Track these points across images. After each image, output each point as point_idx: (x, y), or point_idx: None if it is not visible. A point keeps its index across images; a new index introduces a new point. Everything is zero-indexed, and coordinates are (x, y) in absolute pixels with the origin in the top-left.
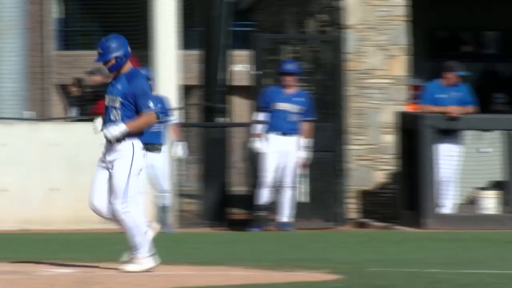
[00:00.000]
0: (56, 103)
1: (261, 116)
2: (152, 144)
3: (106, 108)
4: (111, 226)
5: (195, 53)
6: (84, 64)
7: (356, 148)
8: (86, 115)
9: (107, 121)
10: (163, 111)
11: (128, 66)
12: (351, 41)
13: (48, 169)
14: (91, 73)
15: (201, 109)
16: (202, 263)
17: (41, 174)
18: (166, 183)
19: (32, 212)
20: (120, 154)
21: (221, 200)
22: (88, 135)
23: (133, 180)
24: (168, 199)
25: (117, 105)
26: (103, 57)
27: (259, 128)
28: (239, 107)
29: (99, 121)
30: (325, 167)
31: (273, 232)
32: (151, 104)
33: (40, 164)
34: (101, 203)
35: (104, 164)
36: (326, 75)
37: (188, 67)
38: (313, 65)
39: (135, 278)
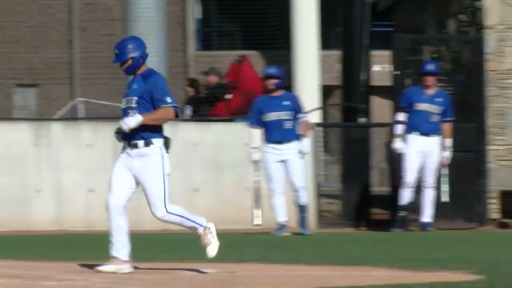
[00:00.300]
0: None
1: (401, 116)
2: (282, 141)
3: (123, 111)
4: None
5: (335, 53)
6: (223, 64)
7: (497, 148)
8: (203, 116)
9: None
10: (295, 108)
11: (144, 68)
12: (491, 41)
13: (189, 169)
14: (206, 73)
15: (342, 109)
16: (344, 263)
17: (183, 175)
18: (301, 181)
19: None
20: (148, 161)
21: (361, 200)
22: (229, 135)
23: (167, 183)
24: (304, 198)
25: (133, 105)
26: (119, 57)
27: (399, 128)
28: (379, 108)
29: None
30: (466, 168)
31: (414, 232)
32: (169, 99)
33: (181, 164)
34: (119, 203)
35: (126, 169)
36: (466, 76)
37: (329, 67)
38: (452, 66)
39: (276, 278)
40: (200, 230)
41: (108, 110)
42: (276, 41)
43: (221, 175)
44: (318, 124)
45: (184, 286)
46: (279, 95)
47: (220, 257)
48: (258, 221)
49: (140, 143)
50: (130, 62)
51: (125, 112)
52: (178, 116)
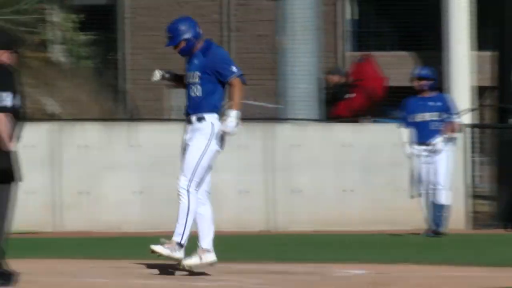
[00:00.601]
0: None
1: None
2: (427, 142)
3: (187, 86)
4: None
5: (489, 54)
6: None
7: None
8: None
9: (187, 98)
10: (446, 109)
11: (200, 43)
12: None
13: (341, 170)
14: (329, 73)
15: (495, 110)
16: (496, 265)
17: (335, 175)
18: (445, 180)
19: (327, 213)
20: (198, 132)
21: None
22: (382, 136)
23: (205, 161)
24: (444, 197)
25: (196, 80)
26: (172, 40)
27: None
28: None
29: (158, 71)
30: None
31: None
32: (234, 69)
33: (333, 165)
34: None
35: (184, 146)
36: None
37: (482, 68)
38: None
39: (429, 280)
40: (176, 239)
41: (261, 111)
42: (428, 42)
43: (373, 176)
44: (471, 125)
45: (335, 287)
46: (431, 96)
47: (373, 258)
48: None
49: (193, 118)
50: (183, 44)
51: (189, 87)
52: (245, 83)
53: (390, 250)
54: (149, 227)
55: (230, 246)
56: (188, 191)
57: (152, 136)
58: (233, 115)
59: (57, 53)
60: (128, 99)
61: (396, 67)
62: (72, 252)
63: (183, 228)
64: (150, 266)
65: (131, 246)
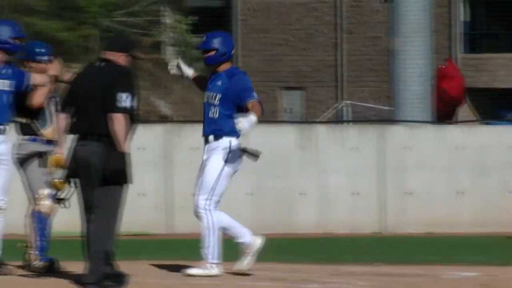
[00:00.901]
0: (463, 107)
1: None
2: None
3: (205, 105)
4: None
5: None
6: (490, 67)
7: None
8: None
9: (205, 119)
10: None
11: (227, 66)
12: None
13: (454, 172)
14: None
15: None
16: None
17: (447, 178)
18: None
19: (438, 215)
20: (216, 151)
21: None
22: (494, 137)
23: (223, 180)
24: None
25: (216, 101)
26: (205, 44)
27: None
28: None
29: (175, 61)
30: None
31: None
32: (254, 94)
33: (446, 167)
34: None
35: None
36: None
37: None
38: None
39: None
40: (206, 259)
41: (373, 113)
42: None
43: (485, 178)
44: None
45: None
46: None
47: (484, 260)
48: None
49: (211, 137)
50: (213, 53)
51: (208, 107)
52: (263, 112)
53: (501, 253)
54: (259, 229)
55: (341, 248)
56: (207, 210)
57: (263, 138)
58: (253, 117)
59: (170, 55)
60: None
61: (509, 69)
62: (184, 253)
63: (210, 249)
64: (265, 269)
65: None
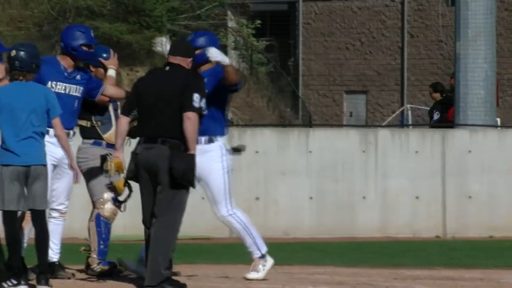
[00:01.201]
0: None
1: None
2: None
3: None
4: None
5: None
6: None
7: None
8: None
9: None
10: None
11: (208, 66)
12: None
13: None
14: (451, 77)
15: None
16: None
17: (510, 182)
18: None
19: (500, 219)
20: (211, 159)
21: None
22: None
23: (229, 181)
24: None
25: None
26: (191, 42)
27: None
28: None
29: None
30: None
31: None
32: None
33: (508, 171)
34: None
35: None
36: None
37: None
38: None
39: None
40: (256, 255)
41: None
42: None
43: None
44: None
45: None
46: None
47: None
48: None
49: (203, 139)
50: (198, 51)
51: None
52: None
53: None
54: (320, 232)
55: (402, 251)
56: (231, 214)
57: (325, 141)
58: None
59: (234, 58)
60: (303, 105)
61: None
62: (245, 258)
63: (254, 243)
64: (326, 273)
65: (305, 252)
